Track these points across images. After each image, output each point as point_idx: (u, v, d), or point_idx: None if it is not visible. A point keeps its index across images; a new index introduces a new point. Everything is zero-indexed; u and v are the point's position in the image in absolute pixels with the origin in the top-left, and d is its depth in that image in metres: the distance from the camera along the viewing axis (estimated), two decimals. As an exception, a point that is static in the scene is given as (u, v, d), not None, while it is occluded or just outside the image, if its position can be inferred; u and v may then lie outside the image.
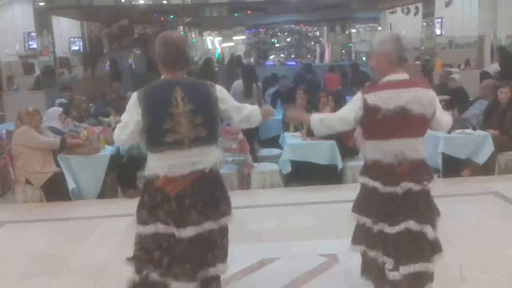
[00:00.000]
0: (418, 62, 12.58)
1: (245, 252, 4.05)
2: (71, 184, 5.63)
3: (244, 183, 6.01)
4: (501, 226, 4.49)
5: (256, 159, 6.46)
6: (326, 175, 5.96)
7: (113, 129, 6.53)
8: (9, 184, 6.40)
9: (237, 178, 6.03)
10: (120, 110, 6.68)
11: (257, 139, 7.74)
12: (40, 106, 8.59)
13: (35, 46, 10.15)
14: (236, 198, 5.53)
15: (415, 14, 12.74)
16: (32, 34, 10.01)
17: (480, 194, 5.40)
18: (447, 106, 7.16)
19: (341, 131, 2.98)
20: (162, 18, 15.18)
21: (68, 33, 12.66)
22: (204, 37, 18.83)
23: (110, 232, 4.70)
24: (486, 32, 10.60)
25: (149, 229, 2.80)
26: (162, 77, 2.83)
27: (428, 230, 2.91)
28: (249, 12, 14.30)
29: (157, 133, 2.73)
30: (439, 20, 10.98)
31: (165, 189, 2.75)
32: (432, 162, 6.26)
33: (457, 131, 6.18)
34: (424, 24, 11.80)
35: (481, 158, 6.02)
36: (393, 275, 2.87)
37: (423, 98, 2.81)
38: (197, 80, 2.92)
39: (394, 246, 2.88)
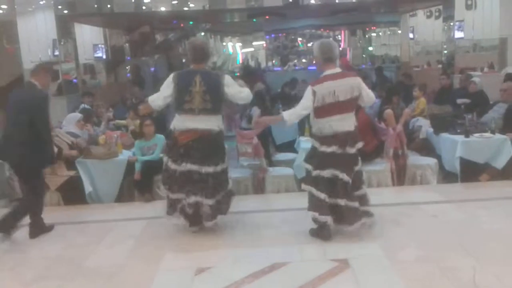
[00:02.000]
0: (440, 66, 12.41)
1: (257, 255, 4.08)
2: (87, 188, 5.73)
3: (259, 187, 6.01)
4: (518, 231, 4.39)
5: (271, 163, 6.46)
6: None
7: (131, 133, 6.65)
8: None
9: (251, 182, 6.05)
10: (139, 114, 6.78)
11: (273, 143, 7.74)
12: (62, 111, 8.81)
13: (58, 53, 10.36)
14: (250, 202, 5.67)
15: (437, 17, 12.58)
16: (56, 41, 10.22)
17: (498, 199, 5.29)
18: (467, 109, 7.07)
19: (305, 115, 4.29)
20: (182, 25, 15.30)
21: (91, 40, 12.89)
22: (225, 43, 18.93)
23: (125, 235, 4.76)
24: (509, 34, 10.40)
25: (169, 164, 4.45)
26: (191, 66, 4.47)
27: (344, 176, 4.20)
28: (267, 17, 14.31)
29: (180, 102, 4.33)
30: (460, 23, 10.82)
31: (178, 138, 4.35)
32: (450, 167, 6.22)
33: (476, 135, 6.08)
34: (445, 27, 11.64)
35: (500, 163, 5.91)
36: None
37: (354, 84, 4.20)
38: (213, 71, 4.73)
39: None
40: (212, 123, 4.37)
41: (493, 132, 6.09)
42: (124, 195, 6.08)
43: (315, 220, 4.33)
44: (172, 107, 4.52)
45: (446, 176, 6.39)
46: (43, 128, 4.49)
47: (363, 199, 4.39)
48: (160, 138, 6.04)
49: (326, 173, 4.21)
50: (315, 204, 4.28)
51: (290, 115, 4.25)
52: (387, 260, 3.87)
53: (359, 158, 4.41)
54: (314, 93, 4.13)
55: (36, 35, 10.02)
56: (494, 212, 4.93)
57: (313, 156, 4.35)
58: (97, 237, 4.72)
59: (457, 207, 5.09)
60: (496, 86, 8.22)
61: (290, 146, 7.29)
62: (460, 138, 6.06)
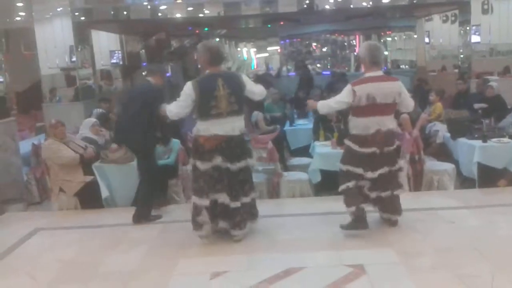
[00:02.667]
0: (456, 70, 12.29)
1: (271, 260, 4.06)
2: (104, 192, 5.77)
3: (273, 192, 6.00)
4: (537, 238, 4.32)
5: (286, 168, 6.45)
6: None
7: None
8: (47, 192, 6.62)
9: (266, 187, 6.04)
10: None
11: (287, 148, 7.73)
12: (79, 116, 8.90)
13: (75, 59, 10.50)
14: (265, 207, 5.65)
15: (453, 21, 12.47)
16: (73, 47, 10.36)
17: (517, 205, 5.21)
18: (484, 114, 6.98)
19: (335, 109, 4.68)
20: (197, 31, 15.40)
21: (108, 46, 13.03)
22: (239, 48, 19.00)
23: (141, 239, 4.78)
24: (526, 38, 10.26)
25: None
26: (207, 71, 4.35)
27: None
28: (282, 23, 14.33)
29: (206, 108, 4.24)
30: (477, 27, 10.71)
31: (204, 145, 4.28)
32: (467, 172, 6.14)
33: (494, 140, 6.01)
34: (462, 31, 11.53)
35: (518, 168, 5.83)
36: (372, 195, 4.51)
37: (393, 89, 4.32)
38: (231, 72, 4.86)
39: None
40: (238, 124, 4.37)
41: (511, 137, 6.01)
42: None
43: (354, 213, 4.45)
44: (194, 115, 4.41)
45: (464, 182, 6.32)
46: (156, 116, 4.93)
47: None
48: (175, 143, 6.07)
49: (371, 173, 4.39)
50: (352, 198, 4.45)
51: (322, 105, 4.52)
52: (403, 266, 3.83)
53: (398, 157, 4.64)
54: (353, 92, 4.24)
55: (54, 42, 10.15)
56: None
57: (352, 157, 4.44)
58: (113, 241, 4.75)
59: (474, 213, 5.02)
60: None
61: (304, 151, 7.27)
62: (477, 143, 5.99)
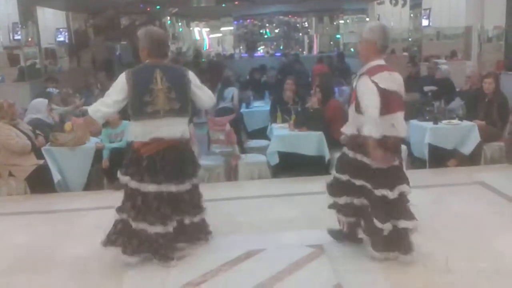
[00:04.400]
0: (405, 53, 12.60)
1: (232, 243, 4.05)
2: (56, 176, 5.57)
3: (232, 174, 5.98)
4: (487, 216, 4.51)
5: (243, 150, 6.43)
6: (314, 166, 5.94)
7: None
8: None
9: (224, 170, 6.00)
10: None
11: (244, 130, 7.71)
12: (25, 97, 8.52)
13: (20, 37, 10.00)
14: (224, 189, 5.64)
15: (403, 5, 12.74)
16: (17, 24, 9.86)
17: (466, 185, 5.42)
18: (434, 97, 7.19)
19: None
20: (148, 9, 15.02)
21: (54, 24, 12.49)
22: (191, 28, 18.71)
23: (95, 224, 4.63)
24: (474, 23, 10.61)
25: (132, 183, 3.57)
26: (146, 61, 3.61)
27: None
28: (236, 2, 14.20)
29: (139, 105, 3.49)
30: (427, 11, 10.98)
31: (139, 150, 3.53)
32: (418, 153, 6.33)
33: (444, 121, 6.20)
34: (411, 15, 11.81)
35: (467, 149, 6.05)
36: None
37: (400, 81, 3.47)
38: (174, 65, 3.87)
39: None
40: (180, 127, 3.59)
41: (460, 119, 6.23)
42: (92, 183, 5.95)
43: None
44: (130, 113, 3.58)
45: (414, 162, 6.51)
46: None
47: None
48: (127, 125, 5.92)
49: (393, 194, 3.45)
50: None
51: (374, 128, 3.24)
52: (362, 246, 3.90)
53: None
54: (376, 85, 3.28)
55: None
56: (463, 197, 5.06)
57: (364, 170, 3.46)
58: (67, 227, 4.60)
59: (426, 193, 5.18)
60: (460, 73, 8.42)
61: (261, 133, 7.27)
62: (428, 125, 6.17)
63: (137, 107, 3.51)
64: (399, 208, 3.49)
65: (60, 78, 9.76)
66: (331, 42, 18.04)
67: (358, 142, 3.42)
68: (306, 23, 18.69)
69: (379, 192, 3.43)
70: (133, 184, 3.55)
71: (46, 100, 6.57)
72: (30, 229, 4.64)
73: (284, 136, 6.01)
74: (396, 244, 3.53)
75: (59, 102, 6.60)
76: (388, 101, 3.30)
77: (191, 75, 3.68)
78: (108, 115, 3.69)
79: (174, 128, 3.55)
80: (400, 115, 3.41)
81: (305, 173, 5.91)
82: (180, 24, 18.14)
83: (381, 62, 3.43)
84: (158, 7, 14.76)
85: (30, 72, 10.17)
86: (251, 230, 4.35)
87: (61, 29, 12.90)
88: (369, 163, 3.40)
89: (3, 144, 5.47)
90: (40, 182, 5.56)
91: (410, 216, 3.53)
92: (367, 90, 3.30)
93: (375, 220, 3.45)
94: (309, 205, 4.94)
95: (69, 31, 13.38)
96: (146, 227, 3.55)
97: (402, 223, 3.48)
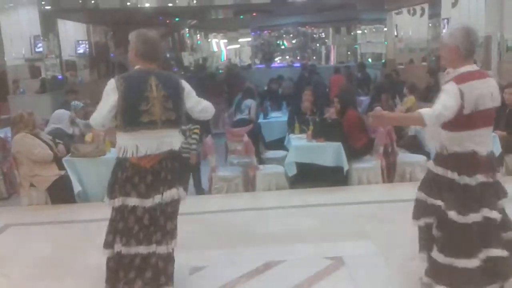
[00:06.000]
0: (424, 63, 12.51)
1: (250, 254, 4.04)
2: (76, 187, 5.63)
3: (250, 185, 5.98)
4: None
5: (261, 161, 6.44)
6: (332, 177, 5.93)
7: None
8: (14, 187, 6.41)
9: (242, 180, 6.00)
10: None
11: (262, 141, 7.72)
12: (46, 108, 8.67)
13: (41, 49, 10.20)
14: (241, 200, 5.63)
15: (421, 15, 12.67)
16: (38, 37, 10.06)
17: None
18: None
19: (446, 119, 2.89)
20: (167, 21, 15.19)
21: (74, 36, 12.72)
22: (209, 40, 18.86)
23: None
24: (493, 32, 10.48)
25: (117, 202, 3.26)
26: (137, 67, 3.26)
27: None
28: (254, 14, 14.29)
29: (133, 114, 3.13)
30: (445, 20, 10.90)
31: (139, 163, 3.17)
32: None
33: (465, 132, 6.11)
34: (430, 25, 11.73)
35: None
36: None
37: (496, 89, 3.05)
38: (168, 72, 3.59)
39: None
40: (175, 139, 3.30)
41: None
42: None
43: None
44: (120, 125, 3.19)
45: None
46: None
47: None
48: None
49: (477, 216, 2.97)
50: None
51: (431, 117, 2.86)
52: (381, 257, 3.88)
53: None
54: (462, 94, 2.87)
55: (19, 31, 9.83)
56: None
57: (445, 190, 3.05)
58: (86, 237, 4.63)
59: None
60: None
61: (279, 144, 7.27)
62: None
63: (131, 116, 3.13)
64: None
65: (81, 90, 9.91)
66: (349, 53, 18.01)
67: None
68: (323, 33, 18.70)
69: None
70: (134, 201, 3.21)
71: (68, 112, 6.67)
72: (50, 238, 4.69)
73: (302, 146, 6.00)
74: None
75: (82, 116, 6.68)
76: (473, 116, 2.91)
77: (184, 83, 3.35)
78: (106, 125, 3.26)
79: (169, 140, 3.24)
80: (482, 131, 3.02)
81: (323, 184, 5.89)
82: (198, 36, 18.31)
83: (471, 68, 3.01)
84: (177, 19, 14.92)
85: (51, 84, 10.35)
86: (269, 241, 4.34)
87: (81, 41, 13.13)
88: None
89: (26, 155, 5.56)
90: (61, 192, 5.62)
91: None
92: (449, 92, 2.90)
93: None
94: (327, 216, 4.93)
95: (89, 43, 13.60)
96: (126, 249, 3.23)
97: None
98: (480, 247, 2.97)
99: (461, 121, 2.90)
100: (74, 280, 3.80)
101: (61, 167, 5.66)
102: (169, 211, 3.27)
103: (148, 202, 3.20)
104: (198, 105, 3.37)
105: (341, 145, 5.85)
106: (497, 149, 5.92)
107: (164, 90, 3.18)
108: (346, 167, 5.86)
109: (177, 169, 3.30)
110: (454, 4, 10.65)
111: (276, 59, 18.42)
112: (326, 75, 12.12)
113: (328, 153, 5.88)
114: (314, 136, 6.03)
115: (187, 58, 17.74)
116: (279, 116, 8.33)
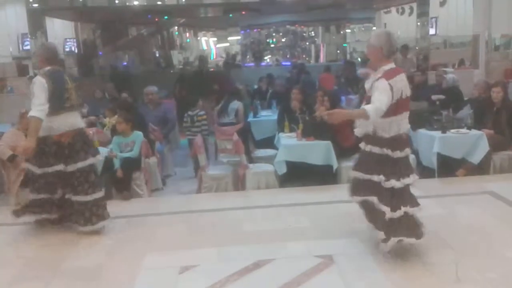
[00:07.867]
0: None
1: (240, 253, 4.05)
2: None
3: (239, 184, 5.98)
4: (496, 225, 4.48)
5: (251, 160, 6.43)
6: (322, 175, 5.94)
7: (108, 130, 6.54)
8: (2, 187, 6.34)
9: (232, 179, 6.01)
10: (114, 110, 6.65)
11: (252, 140, 7.70)
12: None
13: (29, 47, 10.10)
14: (231, 199, 5.63)
15: (410, 14, 12.74)
16: (26, 35, 9.96)
17: (476, 194, 5.39)
18: (442, 105, 7.17)
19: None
20: (156, 19, 15.11)
21: (62, 35, 12.60)
22: (199, 38, 18.80)
23: (103, 234, 4.65)
24: (481, 31, 10.58)
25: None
26: (48, 68, 4.41)
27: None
28: (243, 12, 14.25)
29: (60, 101, 4.35)
30: (434, 19, 10.98)
31: (61, 139, 4.39)
32: (427, 162, 6.29)
33: (452, 130, 6.17)
34: (418, 24, 11.80)
35: (476, 158, 6.01)
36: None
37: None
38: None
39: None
40: (80, 119, 4.65)
41: (469, 128, 6.20)
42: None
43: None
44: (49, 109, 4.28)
45: (423, 171, 6.46)
46: None
47: None
48: (139, 135, 5.96)
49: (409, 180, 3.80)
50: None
51: (372, 112, 3.55)
52: (371, 255, 3.89)
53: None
54: (391, 88, 3.59)
55: (7, 29, 9.73)
56: (472, 206, 5.03)
57: (383, 164, 3.77)
58: (75, 236, 4.60)
59: (435, 202, 5.16)
60: (468, 82, 8.39)
61: (269, 142, 7.26)
62: (437, 134, 6.14)
63: (58, 102, 4.32)
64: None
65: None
66: (338, 51, 18.05)
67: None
68: (312, 32, 18.72)
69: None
70: (36, 170, 4.50)
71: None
72: (39, 238, 4.64)
73: (292, 145, 6.01)
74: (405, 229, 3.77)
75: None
76: (401, 103, 3.67)
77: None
78: (46, 110, 4.24)
79: (79, 119, 4.59)
80: (407, 114, 3.81)
81: (313, 182, 5.91)
82: (187, 34, 18.24)
83: (392, 65, 3.74)
84: (166, 17, 14.84)
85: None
86: (259, 240, 4.34)
87: (69, 40, 13.01)
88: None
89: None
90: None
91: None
92: (382, 89, 3.59)
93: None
94: (317, 214, 4.94)
95: (77, 42, 13.48)
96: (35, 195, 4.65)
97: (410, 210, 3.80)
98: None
99: (390, 108, 3.60)
100: (61, 280, 3.77)
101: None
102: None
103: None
104: None
105: (330, 144, 5.87)
106: (485, 147, 5.99)
107: (72, 83, 4.51)
108: (335, 165, 5.88)
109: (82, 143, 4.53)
110: (442, 3, 10.74)
111: (265, 57, 18.41)
112: (316, 73, 12.12)
113: (318, 151, 5.90)
114: (304, 134, 6.04)
115: (176, 56, 17.67)
116: (269, 115, 8.33)
